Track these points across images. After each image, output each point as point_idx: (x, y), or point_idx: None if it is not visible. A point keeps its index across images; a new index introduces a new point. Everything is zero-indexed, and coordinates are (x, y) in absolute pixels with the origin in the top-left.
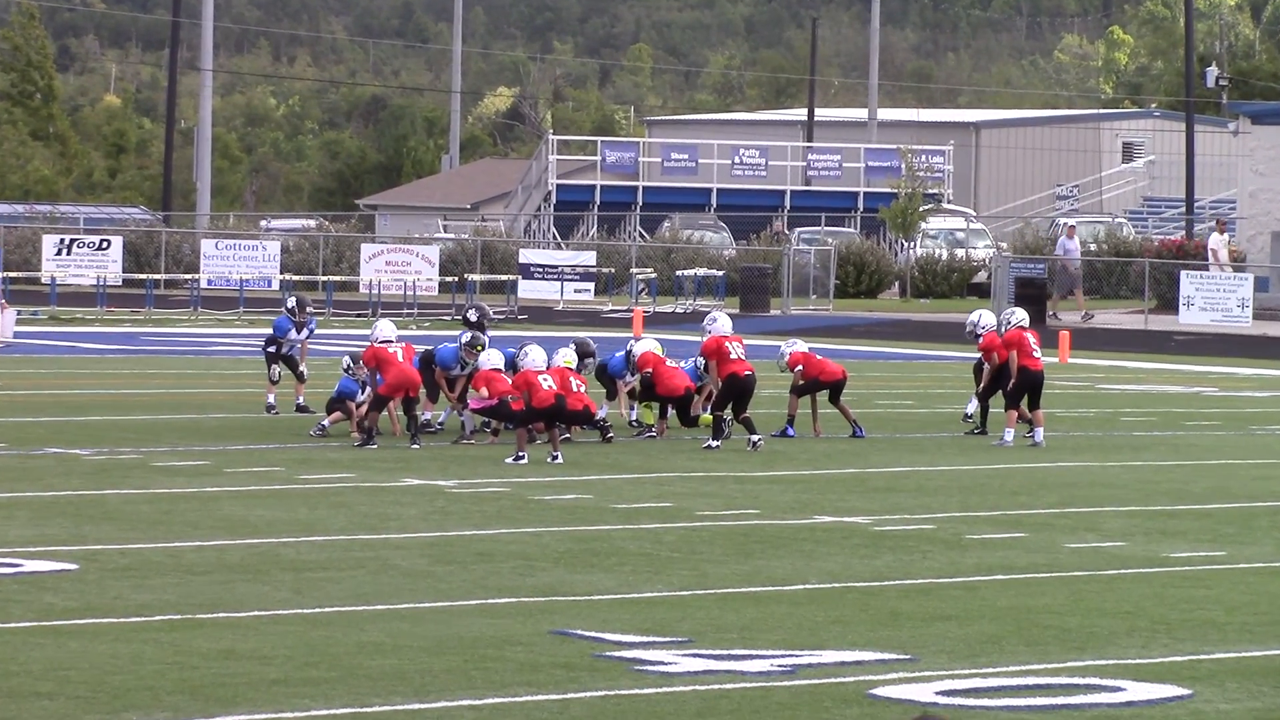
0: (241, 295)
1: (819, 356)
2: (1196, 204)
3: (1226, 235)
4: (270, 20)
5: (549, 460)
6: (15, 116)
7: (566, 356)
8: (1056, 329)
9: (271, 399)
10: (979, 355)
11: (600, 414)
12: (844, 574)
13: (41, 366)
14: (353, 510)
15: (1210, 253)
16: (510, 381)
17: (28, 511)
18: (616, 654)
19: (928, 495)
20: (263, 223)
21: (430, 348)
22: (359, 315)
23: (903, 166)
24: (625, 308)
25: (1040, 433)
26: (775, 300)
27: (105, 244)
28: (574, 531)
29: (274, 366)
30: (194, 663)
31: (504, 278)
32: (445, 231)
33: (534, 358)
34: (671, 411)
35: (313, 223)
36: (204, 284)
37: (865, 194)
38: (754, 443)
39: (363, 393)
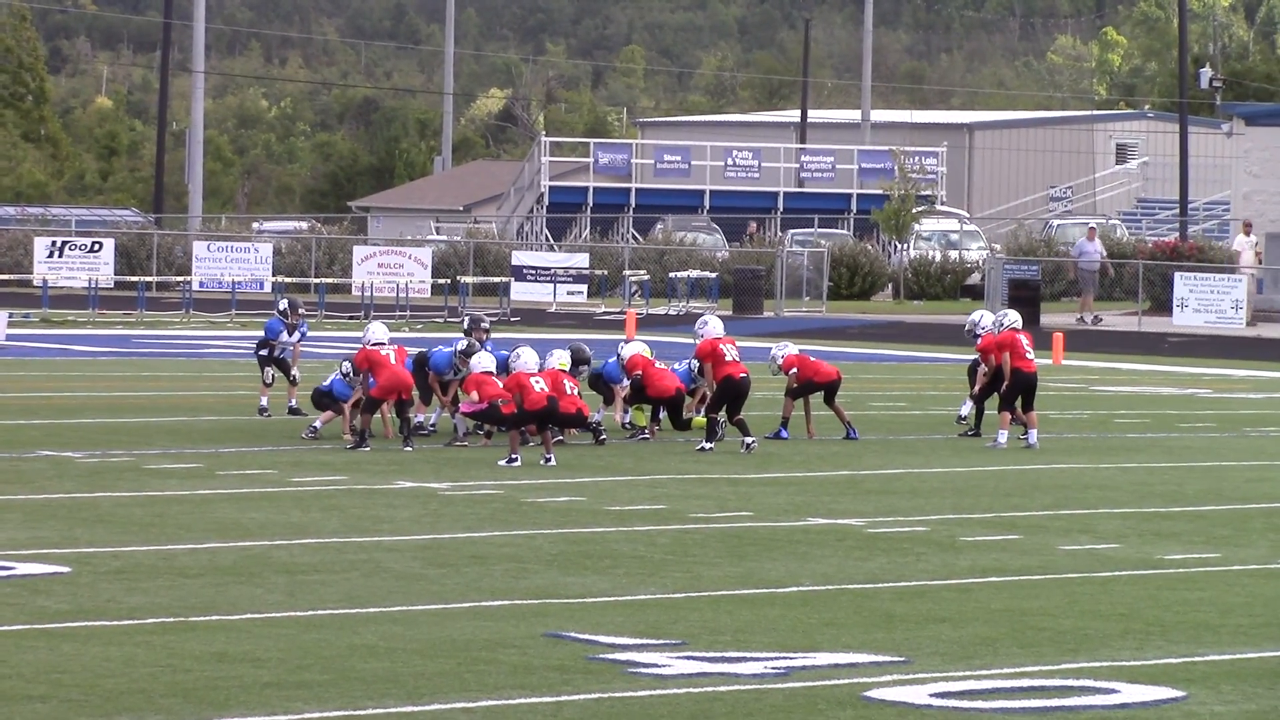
0: (234, 297)
1: (813, 359)
2: (1190, 205)
3: (1253, 237)
4: (262, 22)
5: (542, 463)
6: (7, 119)
7: (561, 359)
8: (1064, 330)
9: (264, 401)
10: (973, 357)
11: (594, 417)
12: (838, 576)
13: (33, 369)
14: (345, 513)
15: (1235, 255)
16: (501, 384)
17: (20, 514)
18: (610, 656)
19: (921, 497)
20: (255, 225)
21: (424, 350)
22: (351, 317)
23: (896, 168)
24: (618, 310)
25: (1034, 434)
26: (768, 302)
27: (97, 246)
28: (567, 534)
29: (267, 369)
30: (187, 665)
31: (496, 280)
32: (438, 233)
33: (526, 360)
34: (664, 415)
35: (305, 225)
36: (196, 286)
37: (858, 196)
38: (748, 445)
39: (355, 394)
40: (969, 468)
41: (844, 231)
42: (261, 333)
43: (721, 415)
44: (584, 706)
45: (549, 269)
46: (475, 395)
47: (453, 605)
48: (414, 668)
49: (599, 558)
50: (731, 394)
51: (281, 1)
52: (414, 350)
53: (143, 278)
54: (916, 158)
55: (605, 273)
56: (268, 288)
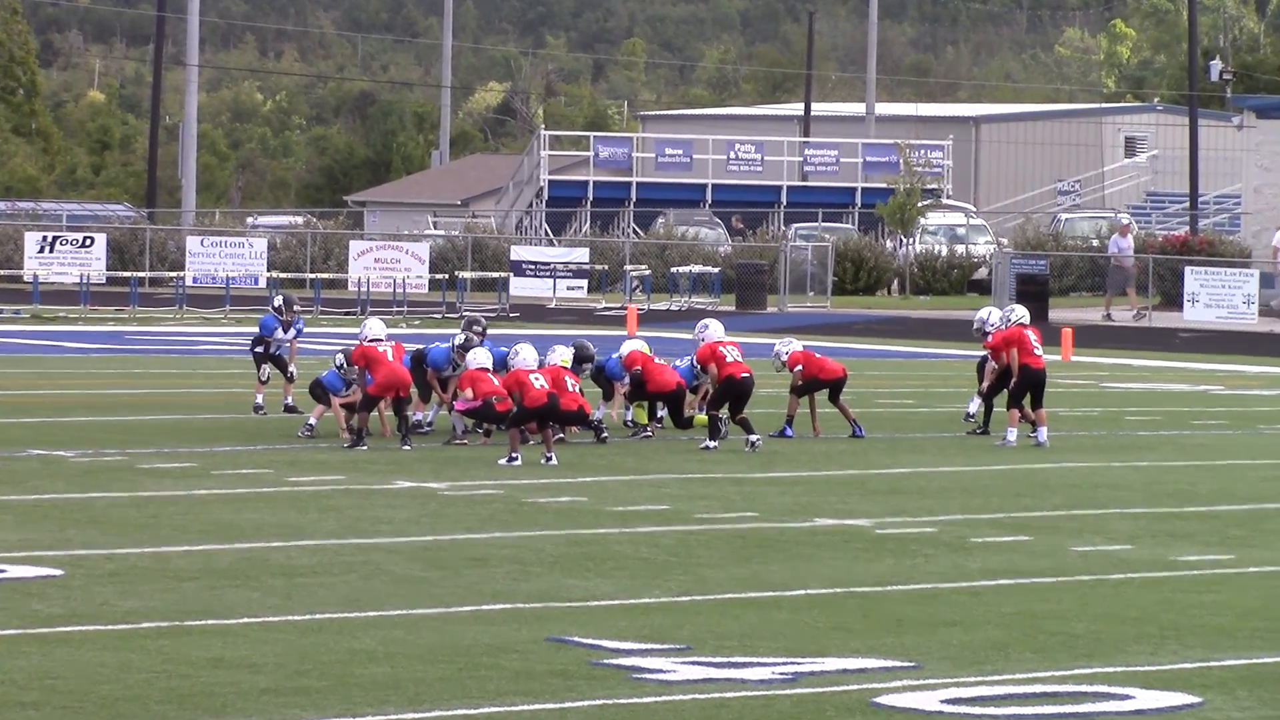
0: (227, 293)
1: (818, 355)
2: (1200, 199)
3: None
4: (257, 14)
5: (543, 461)
6: None
7: (563, 355)
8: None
9: (259, 399)
10: (982, 353)
11: (595, 415)
12: (845, 579)
13: (24, 366)
14: (343, 514)
15: (1274, 250)
16: (498, 382)
17: (12, 515)
18: (614, 662)
19: (930, 497)
20: (249, 220)
21: (421, 347)
22: (347, 313)
23: (901, 162)
24: (619, 305)
25: (1044, 432)
26: (772, 298)
27: (89, 241)
28: (569, 535)
29: (263, 367)
30: (183, 671)
31: (495, 275)
32: (435, 228)
33: (525, 357)
34: (664, 413)
35: (300, 219)
36: (189, 282)
37: (863, 189)
38: (752, 443)
39: (347, 390)
40: (978, 467)
41: (848, 226)
42: (256, 329)
43: (724, 413)
44: (588, 713)
45: (548, 264)
46: (470, 393)
47: (453, 609)
48: (414, 673)
49: (602, 560)
50: (734, 393)
51: None
52: (412, 347)
53: (135, 273)
54: (922, 151)
55: (606, 268)
56: (262, 283)
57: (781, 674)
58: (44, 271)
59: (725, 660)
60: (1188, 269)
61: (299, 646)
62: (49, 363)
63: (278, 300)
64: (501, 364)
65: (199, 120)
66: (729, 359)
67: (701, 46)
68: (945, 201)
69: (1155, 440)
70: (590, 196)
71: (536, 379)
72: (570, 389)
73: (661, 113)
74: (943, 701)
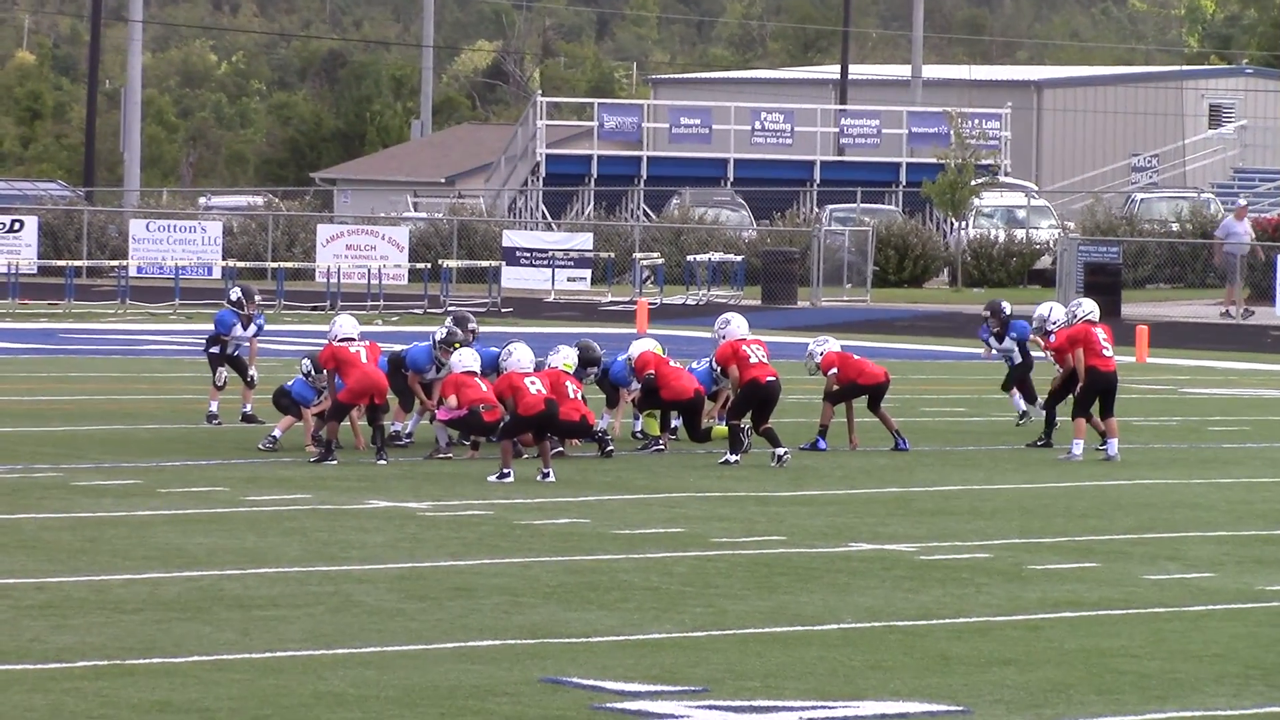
0: (177, 285)
1: (856, 357)
2: None
3: None
4: None
5: (539, 478)
6: None
7: (566, 358)
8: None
9: (214, 407)
10: (1041, 355)
11: (600, 425)
12: (885, 611)
13: None
14: (309, 537)
15: None
16: (487, 387)
17: None
18: (618, 705)
19: (983, 519)
20: (202, 200)
21: (400, 348)
22: (315, 308)
23: (952, 133)
24: (627, 299)
25: (1114, 445)
26: (803, 290)
27: (17, 225)
28: (568, 562)
29: (219, 369)
30: (124, 716)
31: (485, 264)
32: (416, 210)
33: (519, 358)
34: (679, 423)
35: (260, 200)
36: (133, 272)
37: (908, 165)
38: (779, 457)
39: (319, 398)
40: (1038, 484)
41: (891, 207)
42: (211, 327)
43: (746, 422)
44: None
45: (546, 251)
46: (454, 400)
47: (435, 645)
48: (390, 718)
49: (605, 590)
50: (757, 399)
51: None
52: (389, 347)
53: (71, 262)
54: (976, 121)
55: (612, 255)
56: (217, 274)
57: (811, 719)
58: None
59: (746, 704)
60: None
61: (257, 689)
62: None
63: (235, 293)
64: (492, 366)
65: (144, 85)
66: (753, 360)
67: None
68: (1002, 179)
69: (1241, 454)
70: (594, 173)
71: (532, 383)
72: (572, 395)
73: (676, 76)
74: None
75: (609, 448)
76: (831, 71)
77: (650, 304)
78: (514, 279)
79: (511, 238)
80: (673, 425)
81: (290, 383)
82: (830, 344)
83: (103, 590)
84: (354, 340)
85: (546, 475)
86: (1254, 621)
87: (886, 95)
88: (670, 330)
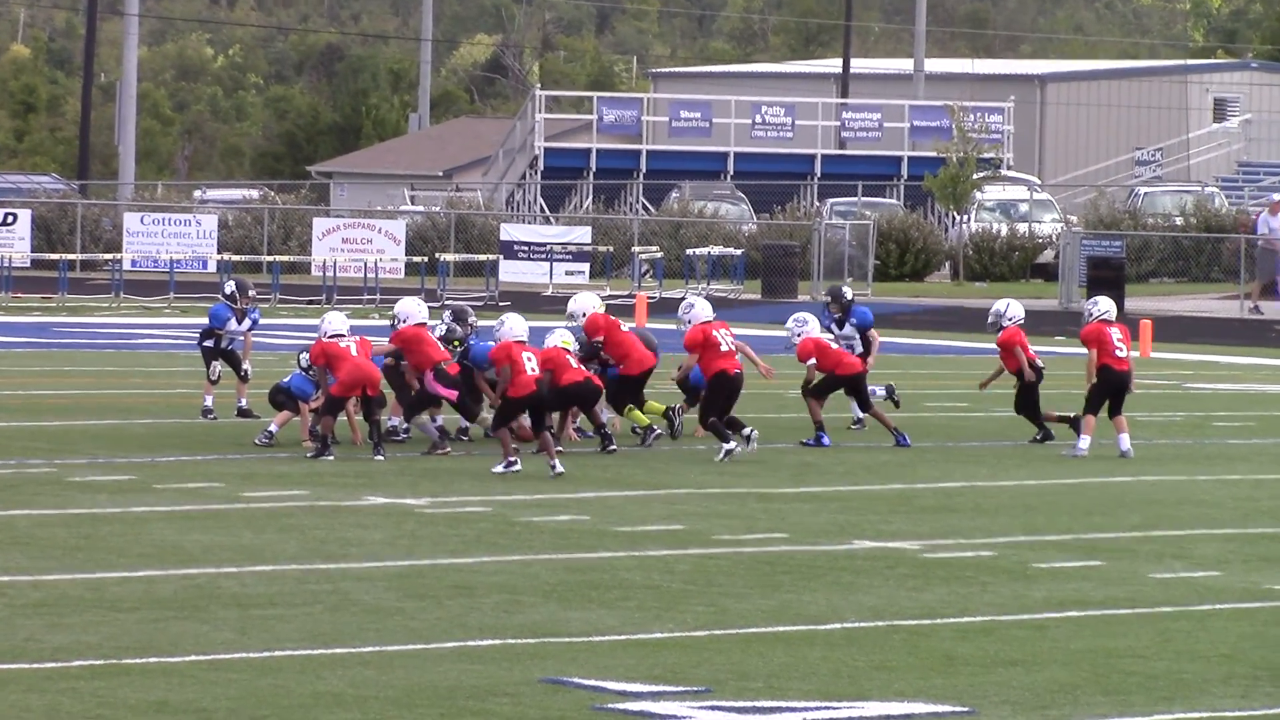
0: (172, 279)
1: (834, 346)
2: None
3: None
4: None
5: (550, 475)
6: None
7: (564, 337)
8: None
9: (209, 401)
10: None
11: (604, 416)
12: (888, 610)
13: None
14: (306, 535)
15: None
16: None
17: None
18: (619, 706)
19: (986, 516)
20: (197, 193)
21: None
22: (310, 302)
23: (954, 127)
24: (626, 293)
25: (1125, 439)
26: (804, 284)
27: (10, 218)
28: (568, 560)
29: (214, 364)
30: (120, 716)
31: (482, 258)
32: (413, 204)
33: (511, 326)
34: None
35: (256, 193)
36: (127, 265)
37: (910, 159)
38: (748, 437)
39: (318, 393)
40: (1042, 480)
41: (893, 201)
42: (205, 320)
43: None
44: None
45: (544, 245)
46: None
47: (434, 645)
48: (389, 718)
49: (606, 589)
50: (725, 391)
51: None
52: (382, 342)
53: (64, 255)
54: (978, 114)
55: (611, 249)
56: (212, 267)
57: (814, 719)
58: None
59: (749, 704)
60: None
61: (255, 688)
62: None
63: (230, 287)
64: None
65: (140, 79)
66: (723, 347)
67: None
68: (1005, 173)
69: (1247, 450)
70: (593, 167)
71: (529, 359)
72: (573, 365)
73: (676, 70)
74: None
75: (611, 447)
76: (833, 65)
77: (649, 298)
78: (512, 273)
79: (509, 231)
80: (676, 409)
81: (288, 378)
82: (810, 326)
83: (98, 588)
84: (344, 336)
85: (555, 468)
86: (1261, 621)
87: (888, 89)
88: (668, 325)
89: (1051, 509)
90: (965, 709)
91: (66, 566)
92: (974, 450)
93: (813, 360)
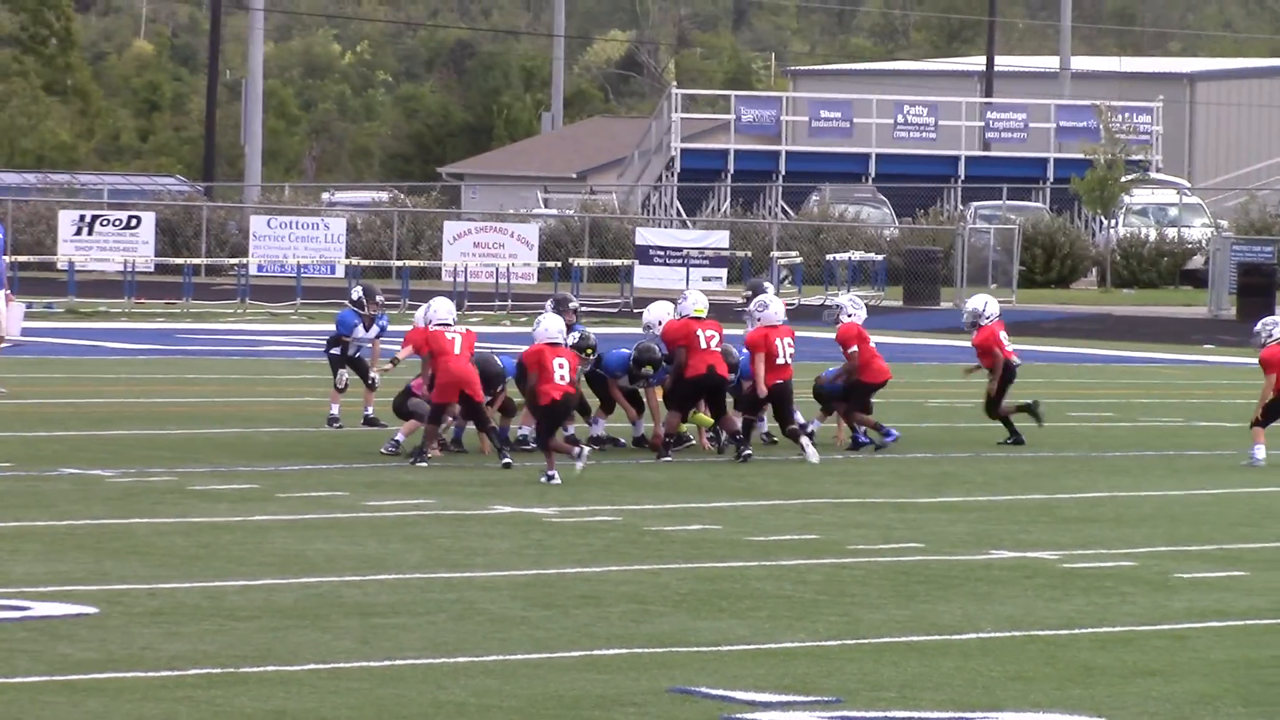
0: (298, 284)
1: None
2: None
3: None
4: None
5: (542, 480)
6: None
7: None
8: None
9: (335, 410)
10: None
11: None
12: (1025, 620)
13: (57, 370)
14: (431, 544)
15: None
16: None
17: (39, 544)
18: (749, 716)
19: (1128, 526)
20: (325, 196)
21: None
22: None
23: (1101, 128)
24: None
25: (1260, 450)
26: (946, 290)
27: (134, 221)
28: (698, 569)
29: (340, 372)
30: None
31: (617, 263)
32: (546, 206)
33: (547, 326)
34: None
35: (385, 196)
36: (253, 270)
37: (1056, 161)
38: (744, 456)
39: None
40: (1188, 491)
41: (1038, 204)
42: (333, 327)
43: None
44: None
45: (680, 250)
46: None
47: (559, 654)
48: None
49: (736, 598)
50: (776, 398)
51: None
52: (505, 348)
53: (189, 260)
54: (1126, 115)
55: (749, 254)
56: (340, 272)
57: None
58: (81, 258)
59: (882, 714)
60: None
61: (376, 697)
62: (86, 366)
63: (357, 292)
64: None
65: (265, 76)
66: (779, 360)
67: None
68: (1154, 176)
69: None
70: (730, 169)
71: (560, 366)
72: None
73: (816, 68)
74: None
75: (665, 457)
76: (977, 63)
77: (788, 304)
78: (647, 278)
79: (645, 235)
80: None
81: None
82: (862, 311)
83: (217, 597)
84: (450, 326)
85: (552, 478)
86: None
87: (1033, 88)
88: (808, 332)
89: (1196, 519)
90: None
91: (185, 575)
92: (1118, 460)
93: (854, 349)
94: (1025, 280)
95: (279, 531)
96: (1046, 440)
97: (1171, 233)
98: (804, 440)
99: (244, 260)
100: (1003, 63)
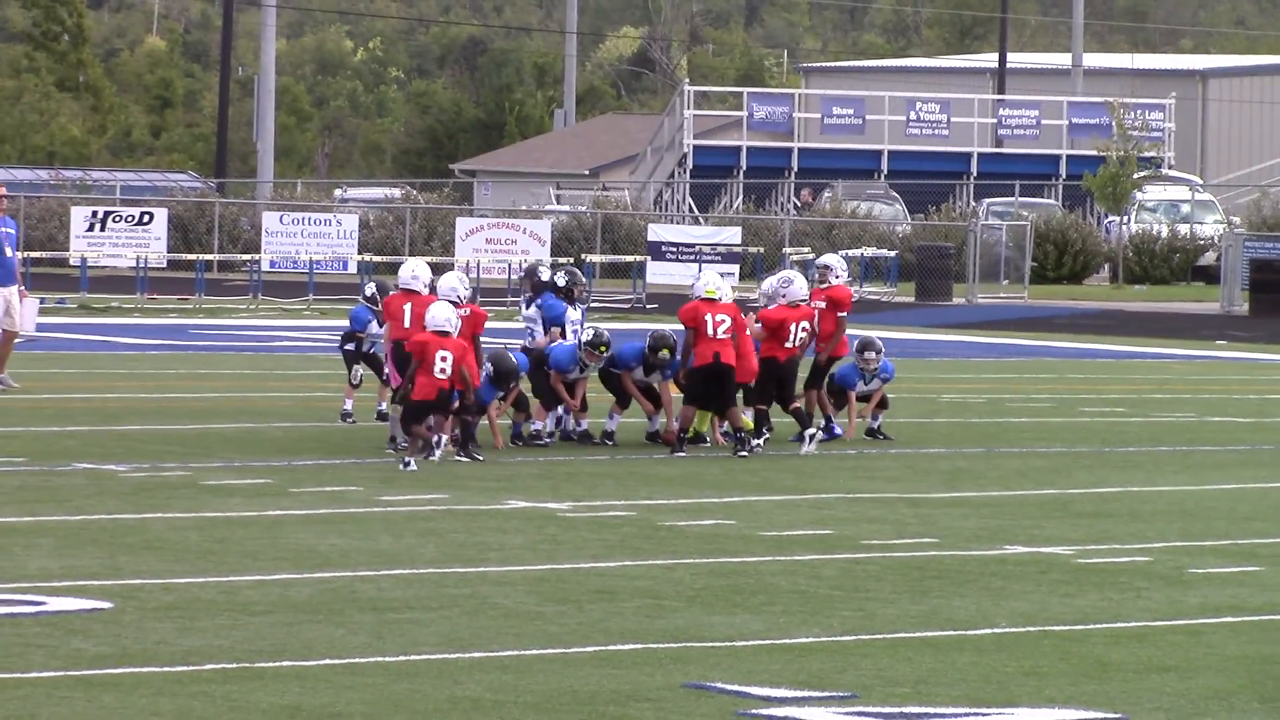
0: (311, 280)
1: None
2: None
3: None
4: None
5: (401, 467)
6: (38, 63)
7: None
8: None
9: (349, 405)
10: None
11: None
12: (1040, 616)
13: (70, 365)
14: (445, 539)
15: None
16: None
17: (53, 539)
18: (764, 711)
19: (1142, 521)
20: (337, 192)
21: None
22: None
23: (1113, 124)
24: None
25: None
26: (959, 286)
27: (147, 218)
28: (713, 564)
29: (355, 368)
30: None
31: (629, 259)
32: (558, 203)
33: (435, 315)
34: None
35: (397, 192)
36: (266, 266)
37: (1068, 158)
38: (751, 447)
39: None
40: (1202, 486)
41: (1050, 201)
42: (346, 323)
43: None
44: None
45: (693, 246)
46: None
47: (574, 650)
48: None
49: (751, 593)
50: (775, 378)
51: None
52: (517, 344)
53: (201, 256)
54: (1138, 111)
55: (761, 250)
56: (353, 268)
57: None
58: (94, 254)
59: (897, 710)
60: None
61: (390, 693)
62: (99, 361)
63: (370, 288)
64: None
65: (278, 73)
66: (788, 342)
67: None
68: (1166, 172)
69: None
70: (743, 165)
71: (442, 359)
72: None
73: (828, 65)
74: None
75: (679, 452)
76: (989, 60)
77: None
78: (659, 274)
79: (657, 232)
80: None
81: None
82: (843, 271)
83: (231, 592)
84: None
85: (407, 465)
86: None
87: (1046, 85)
88: None
89: (1210, 514)
90: (1117, 715)
91: (200, 570)
92: (1131, 455)
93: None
94: (1037, 276)
95: (293, 526)
96: (1059, 436)
97: (1183, 229)
98: (807, 434)
99: (256, 256)
100: (1015, 60)
